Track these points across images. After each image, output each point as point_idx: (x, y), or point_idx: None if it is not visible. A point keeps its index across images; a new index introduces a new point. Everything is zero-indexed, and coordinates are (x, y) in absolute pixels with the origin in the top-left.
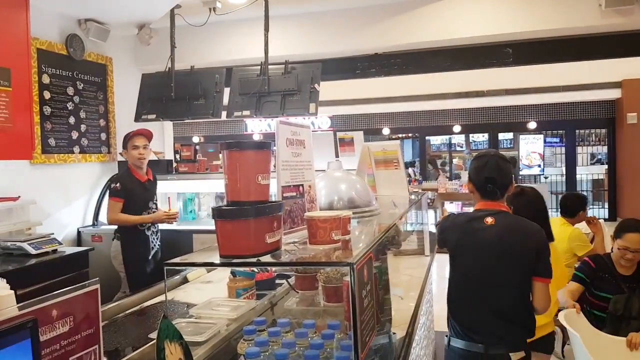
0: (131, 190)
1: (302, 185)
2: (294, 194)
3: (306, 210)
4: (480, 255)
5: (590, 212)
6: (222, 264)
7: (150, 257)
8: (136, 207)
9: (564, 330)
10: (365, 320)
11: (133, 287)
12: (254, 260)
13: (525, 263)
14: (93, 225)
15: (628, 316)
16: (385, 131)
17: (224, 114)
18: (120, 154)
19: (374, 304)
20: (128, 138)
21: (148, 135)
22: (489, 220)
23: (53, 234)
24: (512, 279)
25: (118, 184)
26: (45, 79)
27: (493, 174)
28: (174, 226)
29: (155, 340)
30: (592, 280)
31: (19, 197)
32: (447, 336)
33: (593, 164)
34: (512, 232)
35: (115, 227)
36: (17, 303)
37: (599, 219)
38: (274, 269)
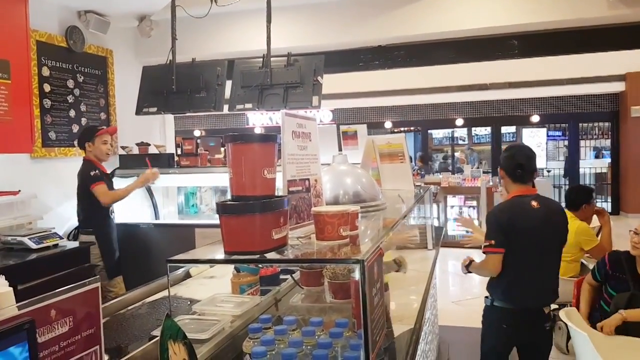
0: (104, 178)
1: (308, 179)
2: (300, 188)
3: (312, 205)
4: (534, 232)
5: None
6: (228, 261)
7: (118, 244)
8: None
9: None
10: (375, 319)
11: (112, 275)
12: (260, 257)
13: (562, 237)
14: None
15: None
16: (387, 124)
17: (225, 107)
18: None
19: (384, 301)
20: (98, 133)
21: (114, 133)
22: (534, 204)
23: (54, 228)
24: (555, 249)
25: (97, 171)
26: (45, 72)
27: (522, 160)
28: (175, 220)
29: (157, 338)
30: (607, 279)
31: (19, 191)
32: (487, 297)
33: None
34: (554, 213)
35: (77, 222)
36: (18, 298)
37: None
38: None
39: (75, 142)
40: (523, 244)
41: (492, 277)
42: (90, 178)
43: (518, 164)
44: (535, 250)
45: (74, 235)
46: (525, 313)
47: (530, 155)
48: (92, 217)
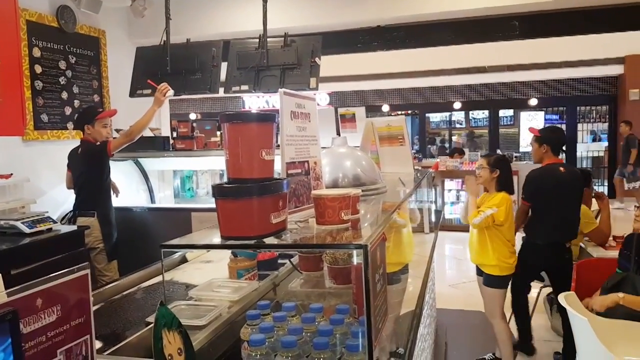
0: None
1: (308, 161)
2: (299, 170)
3: (312, 188)
4: (560, 189)
5: None
6: (225, 246)
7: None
8: (106, 174)
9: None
10: (378, 306)
11: (112, 258)
12: (259, 242)
13: (580, 191)
14: None
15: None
16: (385, 108)
17: (221, 89)
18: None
19: (386, 287)
20: (98, 116)
21: (114, 115)
22: (562, 169)
23: (47, 212)
24: (575, 199)
25: (98, 142)
26: (36, 53)
27: (565, 140)
28: (171, 204)
29: (153, 324)
30: (619, 257)
31: (12, 174)
32: (524, 237)
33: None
34: (575, 176)
35: (75, 204)
36: (12, 284)
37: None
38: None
39: (71, 124)
40: (551, 196)
41: (530, 221)
42: (99, 147)
43: (564, 143)
44: (560, 200)
45: (69, 219)
46: (551, 245)
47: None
48: (95, 197)
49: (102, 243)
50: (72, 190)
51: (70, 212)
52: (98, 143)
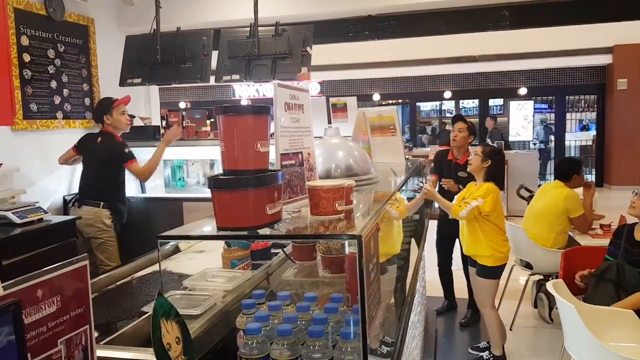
0: None
1: (301, 152)
2: (293, 162)
3: (305, 179)
4: None
5: None
6: (221, 237)
7: None
8: (122, 174)
9: (550, 296)
10: (372, 295)
11: (126, 257)
12: (254, 232)
13: None
14: None
15: (609, 279)
16: (376, 97)
17: (212, 78)
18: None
19: (379, 276)
20: (115, 104)
21: (129, 102)
22: None
23: (38, 202)
24: None
25: (129, 148)
26: (24, 41)
27: None
28: (162, 194)
29: (148, 314)
30: (610, 245)
31: (1, 164)
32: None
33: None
34: None
35: (81, 191)
36: (3, 274)
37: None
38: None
39: (60, 113)
40: None
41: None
42: (125, 155)
43: None
44: None
45: (74, 202)
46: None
47: None
48: (104, 189)
49: (107, 233)
50: (63, 180)
51: (76, 195)
52: (126, 150)
